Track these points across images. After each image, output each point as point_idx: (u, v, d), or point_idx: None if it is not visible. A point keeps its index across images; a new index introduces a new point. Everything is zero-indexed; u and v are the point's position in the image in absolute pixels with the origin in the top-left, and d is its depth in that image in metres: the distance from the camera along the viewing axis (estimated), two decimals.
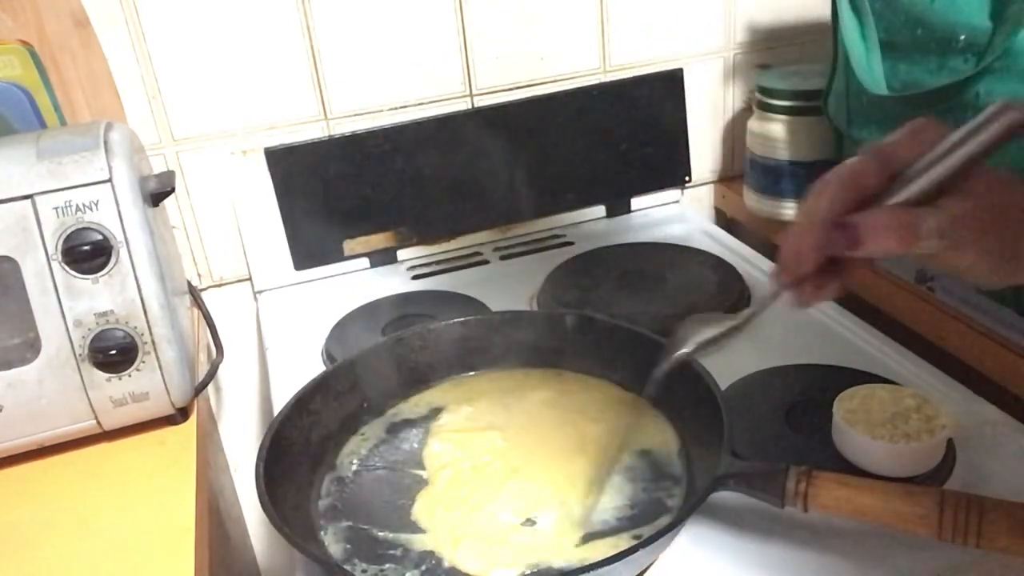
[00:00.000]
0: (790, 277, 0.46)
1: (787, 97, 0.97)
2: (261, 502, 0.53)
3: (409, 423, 0.68)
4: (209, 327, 0.80)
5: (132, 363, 0.64)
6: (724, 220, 1.14)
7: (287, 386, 0.71)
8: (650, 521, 0.56)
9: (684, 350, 0.55)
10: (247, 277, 0.99)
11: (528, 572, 0.53)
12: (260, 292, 0.98)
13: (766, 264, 0.93)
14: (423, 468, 0.63)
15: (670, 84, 1.04)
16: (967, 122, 0.44)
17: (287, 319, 0.92)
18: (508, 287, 0.91)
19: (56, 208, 0.61)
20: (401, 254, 1.01)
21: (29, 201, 0.61)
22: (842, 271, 0.46)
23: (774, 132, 0.97)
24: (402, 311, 0.86)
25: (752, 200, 1.02)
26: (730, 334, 0.54)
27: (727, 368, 0.69)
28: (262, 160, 0.93)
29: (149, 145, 0.89)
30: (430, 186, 0.98)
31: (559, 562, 0.54)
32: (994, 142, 0.43)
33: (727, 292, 0.84)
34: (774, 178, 0.99)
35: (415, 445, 0.66)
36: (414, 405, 0.70)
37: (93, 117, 0.84)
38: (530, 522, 0.57)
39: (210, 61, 0.90)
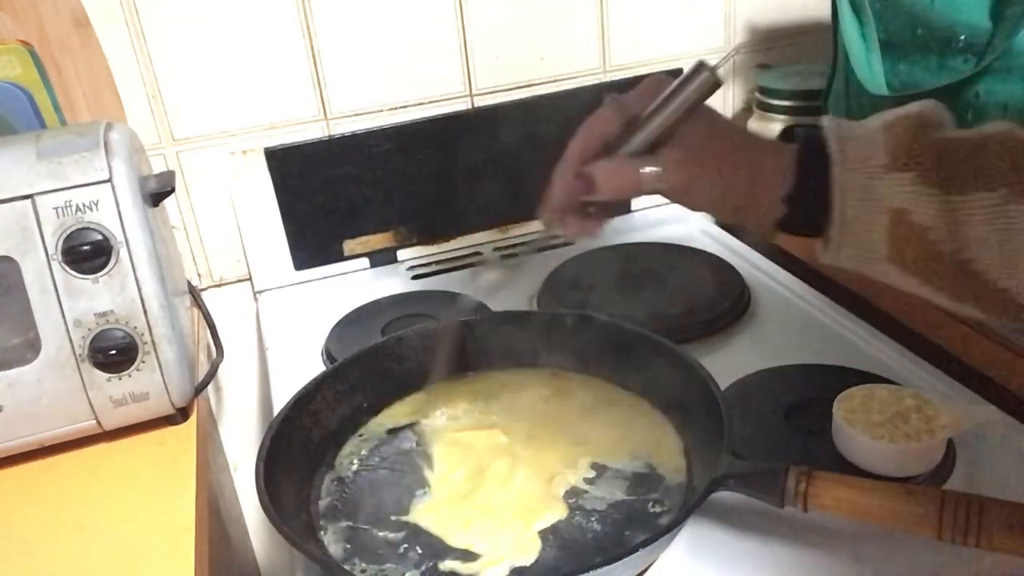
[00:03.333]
0: (552, 214, 0.55)
1: (787, 97, 0.97)
2: (261, 502, 0.53)
3: (409, 423, 0.68)
4: (209, 327, 0.80)
5: (132, 363, 0.64)
6: None
7: (287, 386, 0.71)
8: (649, 521, 0.56)
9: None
10: (247, 277, 0.99)
11: (529, 569, 0.53)
12: (260, 292, 0.98)
13: (766, 264, 0.93)
14: (423, 468, 0.63)
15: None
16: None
17: (287, 319, 0.92)
18: (508, 287, 0.91)
19: (56, 208, 0.61)
20: (401, 254, 1.01)
21: (29, 201, 0.61)
22: (602, 208, 0.55)
23: (774, 132, 0.97)
24: (402, 311, 0.86)
25: None
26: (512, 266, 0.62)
27: (727, 368, 0.69)
28: (262, 160, 0.93)
29: (149, 145, 0.89)
30: (430, 186, 0.98)
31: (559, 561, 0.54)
32: (694, 99, 0.50)
33: (727, 292, 0.84)
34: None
35: (415, 445, 0.66)
36: (414, 405, 0.70)
37: (93, 117, 0.84)
38: (530, 520, 0.57)
39: (210, 61, 0.90)
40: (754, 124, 1.00)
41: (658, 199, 1.08)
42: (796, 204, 0.50)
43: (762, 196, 0.50)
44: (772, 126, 0.97)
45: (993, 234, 0.45)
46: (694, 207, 0.53)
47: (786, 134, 0.53)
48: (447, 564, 0.54)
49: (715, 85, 0.50)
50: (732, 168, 0.51)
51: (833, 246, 0.49)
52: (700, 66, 0.51)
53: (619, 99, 0.54)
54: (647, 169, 0.51)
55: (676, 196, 0.52)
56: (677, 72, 1.03)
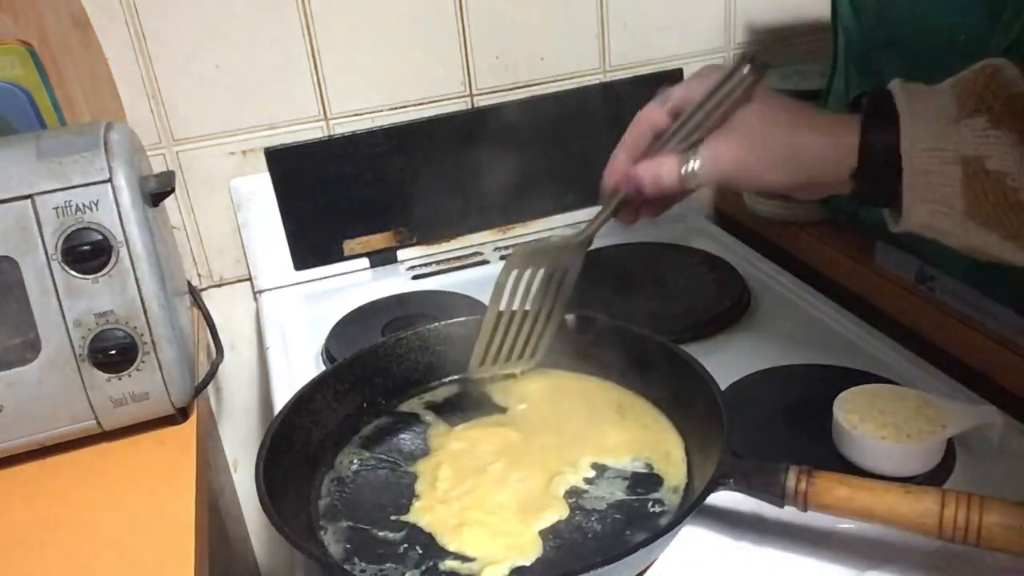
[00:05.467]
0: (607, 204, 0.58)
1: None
2: (261, 502, 0.53)
3: (409, 423, 0.68)
4: (209, 327, 0.80)
5: (132, 363, 0.64)
6: (724, 220, 1.14)
7: (287, 386, 0.71)
8: (649, 521, 0.56)
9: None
10: (247, 277, 0.99)
11: (529, 569, 0.53)
12: (260, 292, 0.98)
13: (766, 264, 0.93)
14: (423, 468, 0.63)
15: (670, 84, 1.04)
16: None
17: (287, 319, 0.92)
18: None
19: (56, 208, 0.61)
20: (401, 254, 1.01)
21: (29, 201, 0.61)
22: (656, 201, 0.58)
23: None
24: (402, 311, 0.86)
25: (752, 200, 1.02)
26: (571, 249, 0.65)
27: (727, 368, 0.69)
28: (262, 160, 0.93)
29: (149, 145, 0.89)
30: (430, 186, 0.98)
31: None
32: (740, 91, 0.52)
33: (727, 292, 0.84)
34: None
35: (415, 445, 0.66)
36: (414, 405, 0.70)
37: (93, 117, 0.84)
38: (531, 520, 0.57)
39: (210, 61, 0.90)
40: None
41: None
42: (865, 174, 0.49)
43: (825, 175, 0.50)
44: None
45: None
46: (754, 191, 0.56)
47: (855, 103, 0.52)
48: (447, 564, 0.54)
49: (759, 78, 0.51)
50: (785, 151, 0.50)
51: (905, 208, 0.48)
52: (744, 58, 0.52)
53: (668, 91, 0.56)
54: (689, 164, 0.52)
55: (729, 186, 0.53)
56: (677, 72, 1.04)
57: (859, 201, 0.51)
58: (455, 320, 0.73)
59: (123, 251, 0.63)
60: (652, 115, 0.56)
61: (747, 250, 0.97)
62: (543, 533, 0.56)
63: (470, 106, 1.00)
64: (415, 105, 0.98)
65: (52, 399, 0.63)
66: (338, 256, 0.99)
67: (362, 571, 0.54)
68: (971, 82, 0.46)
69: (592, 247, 0.96)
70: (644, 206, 0.59)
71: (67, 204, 0.61)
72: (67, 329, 0.62)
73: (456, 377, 0.72)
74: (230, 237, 0.97)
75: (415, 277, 0.98)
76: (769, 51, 1.09)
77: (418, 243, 1.01)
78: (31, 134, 0.65)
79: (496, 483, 0.60)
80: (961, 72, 0.48)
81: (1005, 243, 0.46)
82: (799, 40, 1.10)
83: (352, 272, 1.00)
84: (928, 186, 0.47)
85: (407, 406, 0.70)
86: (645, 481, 0.60)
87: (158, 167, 0.91)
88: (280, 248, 0.96)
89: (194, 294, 0.82)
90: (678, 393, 0.64)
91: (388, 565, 0.54)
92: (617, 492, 0.59)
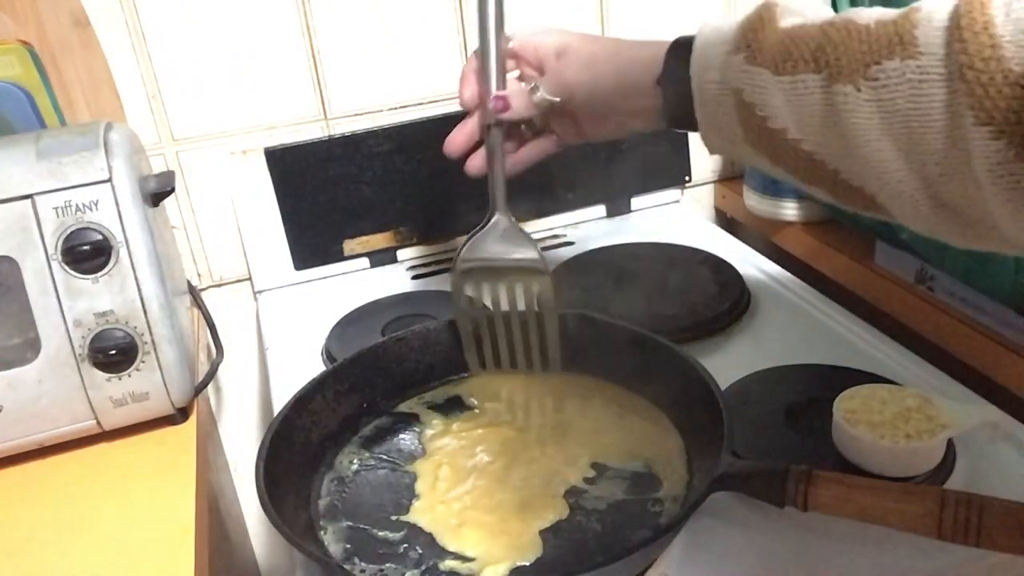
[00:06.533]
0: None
1: None
2: (261, 502, 0.53)
3: (409, 423, 0.68)
4: (209, 327, 0.80)
5: (132, 363, 0.64)
6: (724, 220, 1.14)
7: (287, 386, 0.71)
8: (649, 521, 0.56)
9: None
10: (247, 277, 0.99)
11: (529, 569, 0.53)
12: (260, 292, 0.98)
13: (766, 264, 0.93)
14: (423, 468, 0.63)
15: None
16: None
17: (287, 319, 0.92)
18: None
19: (56, 208, 0.61)
20: (401, 254, 1.01)
21: (29, 201, 0.61)
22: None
23: None
24: (402, 311, 0.86)
25: (752, 200, 1.02)
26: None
27: (727, 368, 0.69)
28: (262, 160, 0.93)
29: (149, 145, 0.89)
30: (430, 186, 0.98)
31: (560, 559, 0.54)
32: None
33: (727, 292, 0.84)
34: (774, 178, 0.99)
35: (415, 444, 0.66)
36: (414, 405, 0.70)
37: (93, 117, 0.84)
38: (531, 520, 0.57)
39: (210, 61, 0.90)
40: None
41: (658, 199, 1.10)
42: (668, 93, 0.54)
43: (640, 82, 0.56)
44: None
45: (820, 118, 0.44)
46: (581, 110, 0.61)
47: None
48: (447, 564, 0.54)
49: None
50: (611, 60, 0.58)
51: (704, 136, 0.53)
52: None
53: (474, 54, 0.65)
54: (536, 93, 0.61)
55: (568, 99, 0.60)
56: None
57: (670, 127, 0.56)
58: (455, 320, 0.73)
59: (123, 251, 0.63)
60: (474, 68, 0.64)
61: (747, 250, 0.97)
62: (543, 533, 0.56)
63: None
64: (415, 105, 0.98)
65: (52, 399, 0.63)
66: (338, 256, 0.99)
67: (362, 571, 0.54)
68: (748, 18, 0.49)
69: (592, 247, 0.97)
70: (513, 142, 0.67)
71: (67, 204, 0.61)
72: (67, 329, 0.62)
73: (456, 377, 0.72)
74: (230, 237, 0.97)
75: (415, 277, 0.98)
76: None
77: (418, 243, 1.02)
78: (31, 134, 0.65)
79: (496, 483, 0.60)
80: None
81: (776, 168, 0.50)
82: None
83: (352, 272, 1.00)
84: (713, 115, 0.51)
85: (407, 406, 0.70)
86: (645, 481, 0.60)
87: (158, 167, 0.91)
88: (280, 248, 0.96)
89: (194, 294, 0.82)
90: (678, 393, 0.64)
91: (388, 565, 0.54)
92: (617, 492, 0.59)
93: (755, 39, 0.48)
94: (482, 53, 0.63)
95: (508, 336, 0.69)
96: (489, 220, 0.66)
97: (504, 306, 0.67)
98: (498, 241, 0.66)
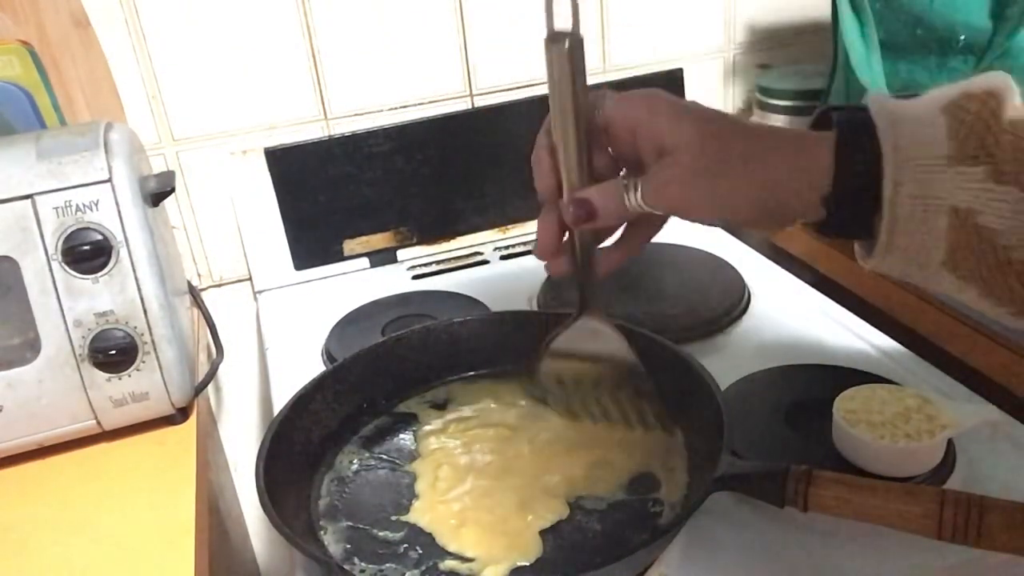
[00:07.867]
0: (553, 257, 0.53)
1: (787, 97, 0.97)
2: (261, 502, 0.53)
3: (409, 423, 0.68)
4: (209, 327, 0.80)
5: (132, 363, 0.64)
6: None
7: (287, 386, 0.71)
8: (649, 521, 0.56)
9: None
10: (247, 277, 0.99)
11: (529, 569, 0.53)
12: (260, 292, 0.98)
13: (766, 264, 0.93)
14: (423, 467, 0.63)
15: (670, 84, 1.04)
16: None
17: (287, 319, 0.92)
18: (508, 287, 0.91)
19: (56, 208, 0.61)
20: (401, 254, 1.01)
21: (29, 201, 0.61)
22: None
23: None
24: (402, 311, 0.86)
25: None
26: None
27: (727, 368, 0.68)
28: (262, 160, 0.93)
29: (149, 145, 0.89)
30: (430, 186, 0.98)
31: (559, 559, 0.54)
32: (568, 72, 0.51)
33: (727, 292, 0.84)
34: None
35: (415, 445, 0.66)
36: (414, 405, 0.70)
37: (93, 117, 0.84)
38: (531, 520, 0.57)
39: (210, 61, 0.90)
40: None
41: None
42: (838, 205, 0.43)
43: (792, 201, 0.43)
44: None
45: None
46: (707, 223, 0.48)
47: (821, 119, 0.45)
48: (447, 564, 0.54)
49: (575, 47, 0.48)
50: (746, 174, 0.44)
51: (880, 250, 0.42)
52: (553, 37, 0.48)
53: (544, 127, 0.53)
54: (631, 195, 0.47)
55: (678, 215, 0.47)
56: (677, 72, 1.04)
57: (824, 234, 0.45)
58: (456, 320, 0.73)
59: (123, 251, 0.63)
60: (546, 152, 0.53)
61: (747, 250, 0.97)
62: (543, 533, 0.56)
63: (470, 106, 1.00)
64: (415, 105, 0.98)
65: (52, 399, 0.63)
66: (338, 256, 0.99)
67: (362, 571, 0.54)
68: (971, 116, 0.40)
69: None
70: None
71: (67, 204, 0.61)
72: (67, 329, 0.62)
73: (456, 377, 0.72)
74: (230, 237, 0.97)
75: (415, 277, 0.98)
76: (769, 51, 1.10)
77: (418, 243, 1.02)
78: (31, 134, 0.65)
79: (496, 483, 0.60)
80: (954, 90, 0.41)
81: (983, 300, 0.41)
82: (799, 40, 1.10)
83: (352, 272, 1.00)
84: (909, 234, 0.41)
85: (407, 406, 0.70)
86: (645, 481, 0.60)
87: (158, 167, 0.91)
88: (280, 248, 0.96)
89: (194, 294, 0.82)
90: (678, 393, 0.64)
91: (388, 565, 0.54)
92: (617, 492, 0.59)
93: (994, 144, 0.39)
94: (554, 127, 0.51)
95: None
96: (576, 319, 0.57)
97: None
98: (586, 341, 0.58)
